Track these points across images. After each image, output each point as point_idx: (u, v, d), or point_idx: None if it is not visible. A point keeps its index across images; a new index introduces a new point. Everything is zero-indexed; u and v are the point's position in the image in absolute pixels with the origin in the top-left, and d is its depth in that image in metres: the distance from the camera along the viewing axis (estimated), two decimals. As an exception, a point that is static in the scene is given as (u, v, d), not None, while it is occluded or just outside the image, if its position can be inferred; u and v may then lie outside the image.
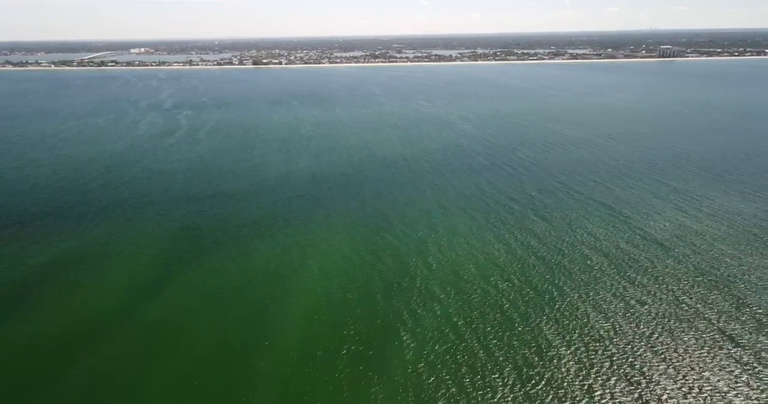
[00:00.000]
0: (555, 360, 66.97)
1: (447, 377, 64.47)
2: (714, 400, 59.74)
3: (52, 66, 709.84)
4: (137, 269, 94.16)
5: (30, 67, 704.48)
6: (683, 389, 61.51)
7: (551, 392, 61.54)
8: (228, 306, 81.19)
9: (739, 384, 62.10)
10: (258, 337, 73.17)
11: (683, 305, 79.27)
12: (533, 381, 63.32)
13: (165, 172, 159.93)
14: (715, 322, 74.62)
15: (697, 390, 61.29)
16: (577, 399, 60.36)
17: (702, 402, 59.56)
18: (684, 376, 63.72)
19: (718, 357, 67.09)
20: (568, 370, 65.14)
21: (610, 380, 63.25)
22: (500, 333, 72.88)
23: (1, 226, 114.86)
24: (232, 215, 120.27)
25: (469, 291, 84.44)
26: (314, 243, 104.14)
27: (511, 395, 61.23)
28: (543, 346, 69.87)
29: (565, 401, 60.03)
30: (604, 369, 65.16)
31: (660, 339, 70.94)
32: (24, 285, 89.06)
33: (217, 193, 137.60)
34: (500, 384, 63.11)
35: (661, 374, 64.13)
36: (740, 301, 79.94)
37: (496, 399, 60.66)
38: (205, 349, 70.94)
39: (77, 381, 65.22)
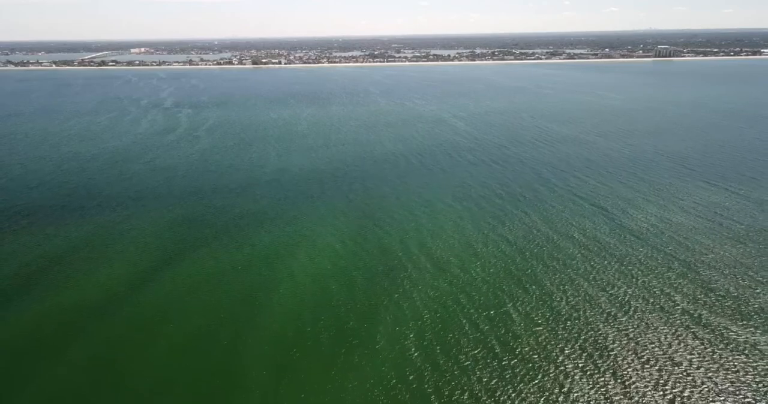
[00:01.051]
0: (529, 338, 72.27)
1: (427, 352, 69.70)
2: (672, 372, 65.08)
3: (54, 65, 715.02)
4: (140, 255, 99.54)
5: (31, 67, 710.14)
6: (647, 364, 66.78)
7: (523, 364, 66.90)
8: (224, 288, 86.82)
9: (697, 358, 67.51)
10: (252, 316, 78.65)
11: (653, 289, 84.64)
12: (507, 356, 68.69)
13: (166, 167, 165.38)
14: (681, 304, 79.97)
15: (658, 364, 66.65)
16: (548, 371, 65.68)
17: (660, 373, 64.93)
18: (647, 351, 69.10)
19: (681, 335, 72.39)
20: (540, 346, 70.44)
21: (579, 355, 68.55)
22: (477, 313, 78.26)
23: (11, 217, 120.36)
24: (229, 207, 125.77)
25: (450, 277, 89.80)
26: (306, 232, 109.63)
27: (488, 368, 66.50)
28: (519, 324, 75.19)
29: (537, 373, 65.34)
30: (575, 345, 70.49)
31: (628, 319, 76.27)
32: (35, 269, 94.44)
33: (216, 186, 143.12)
34: (479, 357, 68.44)
35: (626, 350, 69.39)
36: (707, 286, 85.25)
37: (474, 370, 65.93)
38: (203, 325, 76.50)
39: (85, 353, 70.86)
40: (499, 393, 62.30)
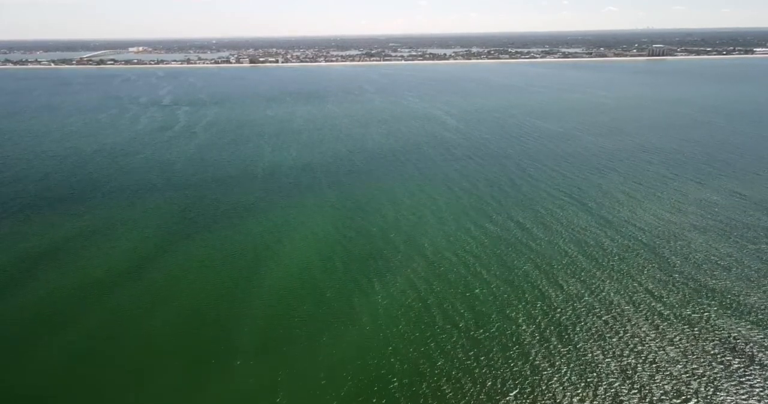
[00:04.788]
0: (503, 314, 78.37)
1: (410, 327, 75.59)
2: (633, 343, 71.12)
3: (52, 64, 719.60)
4: (138, 242, 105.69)
5: (30, 66, 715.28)
6: (608, 334, 73.10)
7: (497, 339, 72.74)
8: (217, 272, 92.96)
9: (654, 331, 73.67)
10: (243, 297, 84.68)
11: (621, 271, 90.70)
12: (482, 330, 74.66)
13: (164, 161, 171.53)
14: (645, 285, 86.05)
15: (621, 335, 72.89)
16: (521, 342, 71.56)
17: (623, 344, 71.01)
18: (610, 325, 75.19)
19: (642, 310, 78.57)
20: (514, 322, 76.39)
21: (546, 329, 74.60)
22: (455, 294, 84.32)
23: (17, 208, 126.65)
24: (223, 198, 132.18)
25: (428, 262, 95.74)
26: (296, 221, 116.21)
27: (464, 338, 72.54)
28: (495, 303, 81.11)
29: (510, 345, 71.20)
30: (544, 321, 76.45)
31: (594, 298, 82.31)
32: (40, 254, 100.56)
33: (213, 180, 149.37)
34: (455, 331, 74.49)
35: (591, 324, 75.49)
36: (672, 269, 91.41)
37: (449, 344, 71.73)
38: (196, 305, 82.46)
39: (87, 328, 77.22)
40: (468, 362, 68.26)
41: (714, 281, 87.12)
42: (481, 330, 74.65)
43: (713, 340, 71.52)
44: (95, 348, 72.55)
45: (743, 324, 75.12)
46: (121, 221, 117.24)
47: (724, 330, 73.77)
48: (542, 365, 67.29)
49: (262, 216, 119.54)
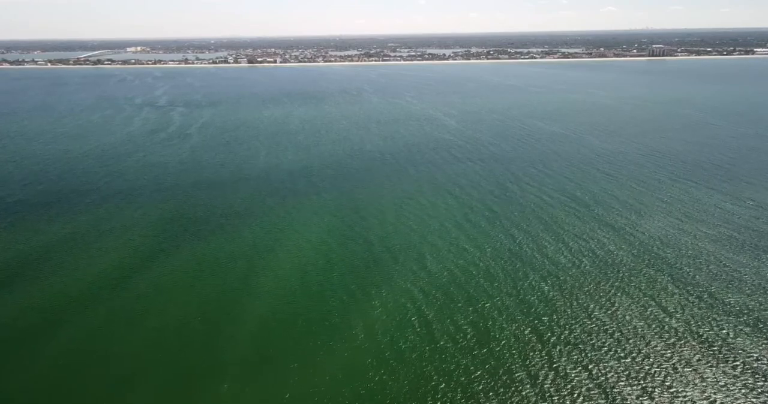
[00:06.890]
0: (508, 331, 73.68)
1: (409, 345, 71.07)
2: (647, 364, 66.58)
3: (49, 64, 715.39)
4: (126, 251, 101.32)
5: (27, 66, 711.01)
6: (620, 354, 68.58)
7: (501, 359, 68.19)
8: (208, 281, 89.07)
9: (673, 351, 69.16)
10: (234, 307, 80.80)
11: (631, 284, 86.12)
12: (486, 348, 70.01)
13: (157, 164, 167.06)
14: (656, 299, 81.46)
15: (634, 355, 68.31)
16: (527, 362, 67.05)
17: (636, 366, 66.51)
18: (622, 344, 70.54)
19: (655, 328, 74.00)
20: (519, 340, 71.79)
21: (555, 349, 70.01)
22: (456, 308, 79.83)
23: (2, 215, 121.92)
24: (219, 202, 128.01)
25: (433, 272, 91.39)
26: (290, 227, 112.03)
27: (467, 358, 68.08)
28: (500, 319, 76.58)
29: (517, 366, 66.70)
30: (552, 340, 71.71)
31: (605, 314, 77.74)
32: (21, 263, 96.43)
33: (207, 183, 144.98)
34: (457, 349, 70.02)
35: (602, 343, 71.02)
36: (685, 281, 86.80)
37: (451, 364, 67.08)
38: (185, 316, 78.62)
39: (69, 340, 73.44)
40: (472, 385, 63.77)
41: (729, 294, 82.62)
42: (485, 349, 70.15)
43: (733, 361, 67.04)
44: (79, 362, 68.99)
45: (764, 342, 70.66)
46: (109, 228, 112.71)
47: (743, 350, 69.25)
48: (551, 389, 62.83)
49: (255, 222, 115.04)
